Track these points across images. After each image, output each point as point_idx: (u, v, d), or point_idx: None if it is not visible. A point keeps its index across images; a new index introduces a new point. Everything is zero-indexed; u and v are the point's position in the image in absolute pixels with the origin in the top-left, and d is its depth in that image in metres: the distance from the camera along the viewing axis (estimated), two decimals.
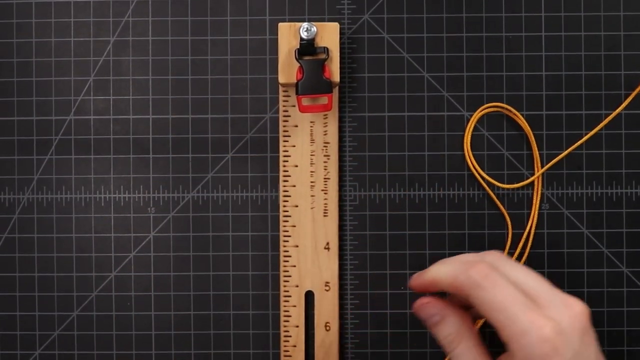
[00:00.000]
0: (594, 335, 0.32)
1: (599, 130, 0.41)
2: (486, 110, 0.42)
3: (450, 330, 0.34)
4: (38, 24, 0.42)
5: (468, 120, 0.42)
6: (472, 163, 0.41)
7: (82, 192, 0.42)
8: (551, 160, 0.41)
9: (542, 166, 0.41)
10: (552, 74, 0.42)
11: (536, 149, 0.41)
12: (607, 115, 0.41)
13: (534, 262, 0.41)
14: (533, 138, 0.41)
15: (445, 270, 0.33)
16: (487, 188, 0.41)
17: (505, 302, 0.31)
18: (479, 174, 0.41)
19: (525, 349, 0.30)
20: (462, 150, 0.42)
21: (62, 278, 0.42)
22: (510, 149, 0.42)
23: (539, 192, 0.41)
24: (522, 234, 0.41)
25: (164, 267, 0.42)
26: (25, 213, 0.42)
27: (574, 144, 0.41)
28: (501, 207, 0.41)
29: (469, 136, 0.41)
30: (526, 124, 0.41)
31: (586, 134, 0.41)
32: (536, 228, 0.41)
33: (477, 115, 0.41)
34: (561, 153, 0.41)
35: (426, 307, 0.35)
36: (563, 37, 0.42)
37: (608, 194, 0.41)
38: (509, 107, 0.41)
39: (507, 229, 0.41)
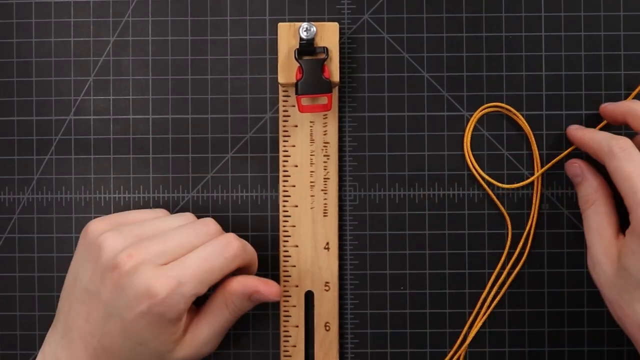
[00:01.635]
0: None
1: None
2: (486, 110, 0.42)
3: (587, 191, 0.38)
4: (38, 24, 0.42)
5: (468, 120, 0.42)
6: (472, 163, 0.41)
7: (82, 192, 0.42)
8: (551, 160, 0.41)
9: (542, 166, 0.41)
10: (552, 73, 0.42)
11: (536, 148, 0.41)
12: None
13: (534, 262, 0.41)
14: (533, 138, 0.41)
15: (596, 137, 0.37)
16: (487, 188, 0.41)
17: (633, 174, 0.34)
18: (478, 174, 0.41)
19: None
20: (462, 150, 0.42)
21: (61, 278, 0.42)
22: (510, 149, 0.42)
23: (539, 192, 0.41)
24: (522, 234, 0.41)
25: None
26: (25, 213, 0.42)
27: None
28: (501, 207, 0.41)
29: (469, 136, 0.41)
30: (526, 124, 0.41)
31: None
32: (536, 228, 0.41)
33: (477, 115, 0.41)
34: (561, 153, 0.41)
35: (572, 166, 0.40)
36: (563, 37, 0.42)
37: None
38: (509, 107, 0.41)
39: (507, 229, 0.41)
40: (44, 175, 0.42)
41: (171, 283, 0.33)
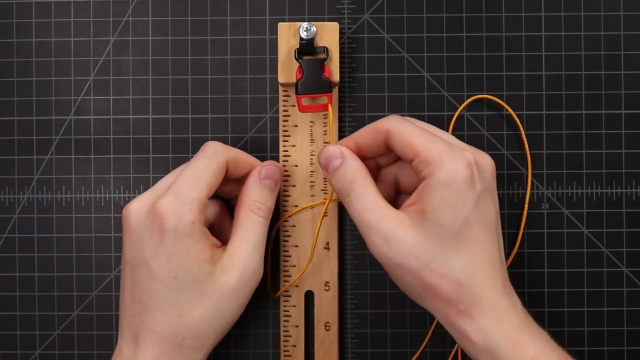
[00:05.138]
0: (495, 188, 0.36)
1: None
2: (473, 98, 0.42)
3: (350, 170, 0.35)
4: (38, 24, 0.42)
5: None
6: None
7: (82, 192, 0.42)
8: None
9: (533, 164, 0.41)
10: (552, 73, 0.42)
11: (527, 147, 0.41)
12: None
13: (533, 262, 0.41)
14: (524, 132, 0.41)
15: (363, 131, 0.36)
16: None
17: (425, 132, 0.34)
18: None
19: (448, 172, 0.33)
20: None
21: (62, 278, 0.42)
22: (510, 149, 0.42)
23: (529, 190, 0.41)
24: (518, 233, 0.41)
25: None
26: (25, 213, 0.42)
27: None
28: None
29: (452, 125, 0.42)
30: (516, 118, 0.41)
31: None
32: (536, 228, 0.41)
33: (461, 108, 0.42)
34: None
35: (330, 149, 0.36)
36: (563, 37, 0.42)
37: (608, 194, 0.41)
38: (493, 97, 0.41)
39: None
40: (44, 175, 0.42)
41: (168, 197, 0.35)
